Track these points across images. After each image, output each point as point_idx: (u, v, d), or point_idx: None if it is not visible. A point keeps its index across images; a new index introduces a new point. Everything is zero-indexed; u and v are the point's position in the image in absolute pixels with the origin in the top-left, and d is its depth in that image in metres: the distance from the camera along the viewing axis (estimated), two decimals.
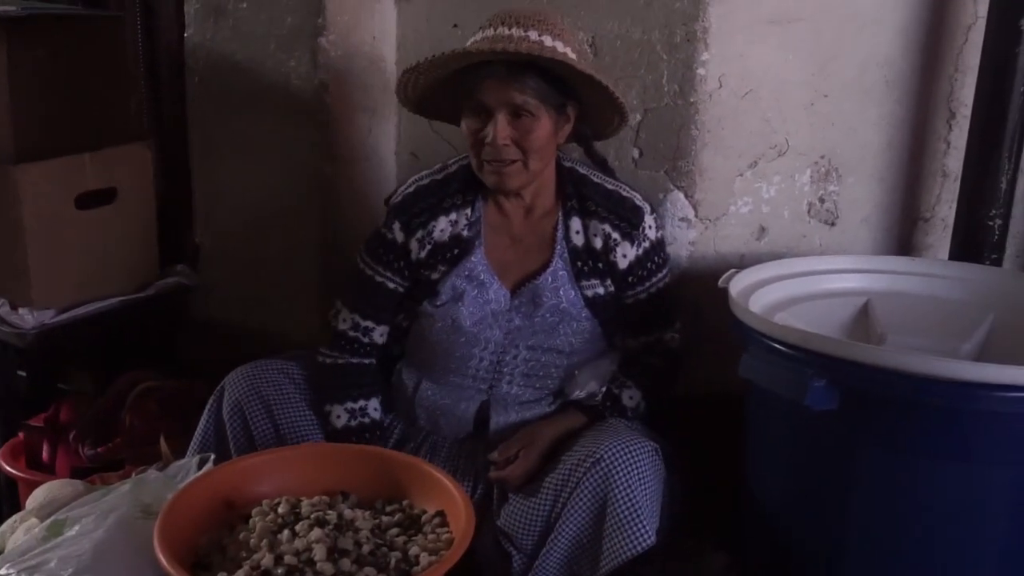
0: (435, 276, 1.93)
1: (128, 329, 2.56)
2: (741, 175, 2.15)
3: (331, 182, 2.38)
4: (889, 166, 2.23)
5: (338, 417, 1.94)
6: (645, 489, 1.68)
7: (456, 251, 1.93)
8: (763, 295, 1.85)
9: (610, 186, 1.95)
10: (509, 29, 1.76)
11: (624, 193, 1.94)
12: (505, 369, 1.93)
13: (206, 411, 1.95)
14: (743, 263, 2.12)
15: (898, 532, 1.59)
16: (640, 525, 1.66)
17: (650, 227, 1.94)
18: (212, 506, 1.68)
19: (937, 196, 2.26)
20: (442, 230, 1.92)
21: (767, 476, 1.79)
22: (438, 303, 1.93)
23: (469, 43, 1.81)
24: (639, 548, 1.65)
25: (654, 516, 1.69)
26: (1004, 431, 1.51)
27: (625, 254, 1.92)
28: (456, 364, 1.94)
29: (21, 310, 2.36)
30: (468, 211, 1.93)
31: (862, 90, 2.16)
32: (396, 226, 1.94)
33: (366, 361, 2.01)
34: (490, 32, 1.78)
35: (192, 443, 1.96)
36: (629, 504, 1.66)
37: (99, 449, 2.24)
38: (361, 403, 1.96)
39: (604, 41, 2.12)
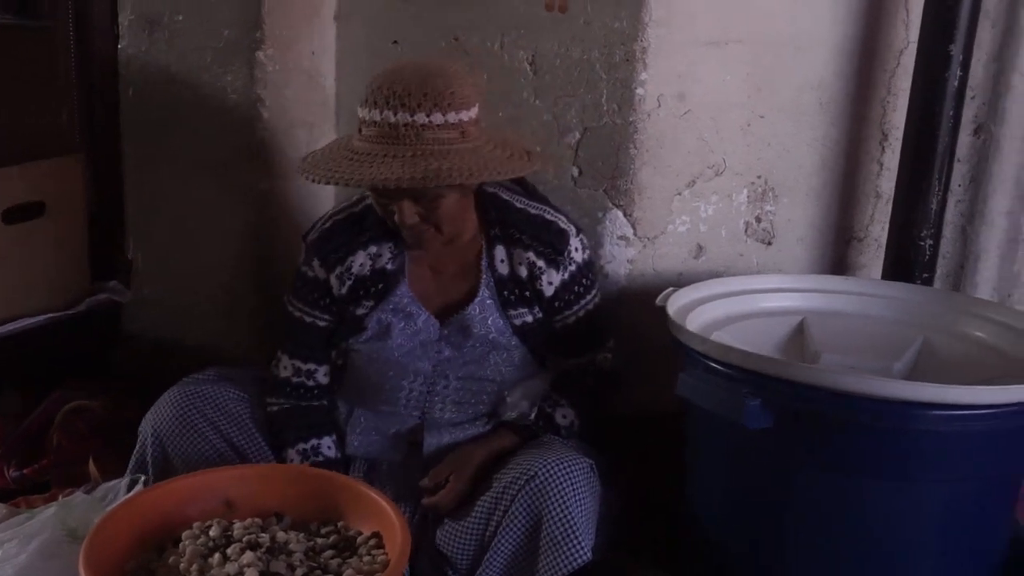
0: (360, 311, 1.90)
1: (58, 346, 2.50)
2: (679, 194, 2.16)
3: (267, 197, 2.35)
4: (824, 187, 2.27)
5: (291, 461, 1.90)
6: (580, 505, 1.67)
7: (381, 286, 1.89)
8: (701, 314, 1.87)
9: (533, 211, 1.91)
10: (395, 114, 1.67)
11: (548, 217, 1.91)
12: (436, 398, 1.92)
13: (145, 432, 1.88)
14: (681, 281, 2.13)
15: (834, 549, 1.61)
16: (576, 541, 1.65)
17: (576, 249, 1.91)
18: (141, 529, 1.64)
19: (871, 216, 2.30)
20: (361, 264, 1.89)
21: (704, 494, 1.80)
22: (363, 339, 1.91)
23: (360, 119, 1.73)
24: (575, 564, 1.64)
25: (590, 532, 1.68)
26: (935, 449, 1.53)
27: (551, 281, 1.89)
28: (386, 395, 1.93)
29: None
30: (391, 244, 1.89)
31: (797, 112, 2.20)
32: (315, 263, 1.92)
33: (315, 403, 1.97)
34: (375, 116, 1.69)
35: (130, 465, 1.90)
36: (564, 520, 1.65)
37: (25, 471, 2.18)
38: (313, 442, 1.92)
39: (544, 60, 2.12)
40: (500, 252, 1.90)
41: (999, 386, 1.50)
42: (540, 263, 1.88)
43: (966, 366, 1.77)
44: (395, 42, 2.32)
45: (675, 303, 1.84)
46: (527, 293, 1.90)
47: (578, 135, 2.13)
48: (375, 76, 1.74)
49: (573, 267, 1.91)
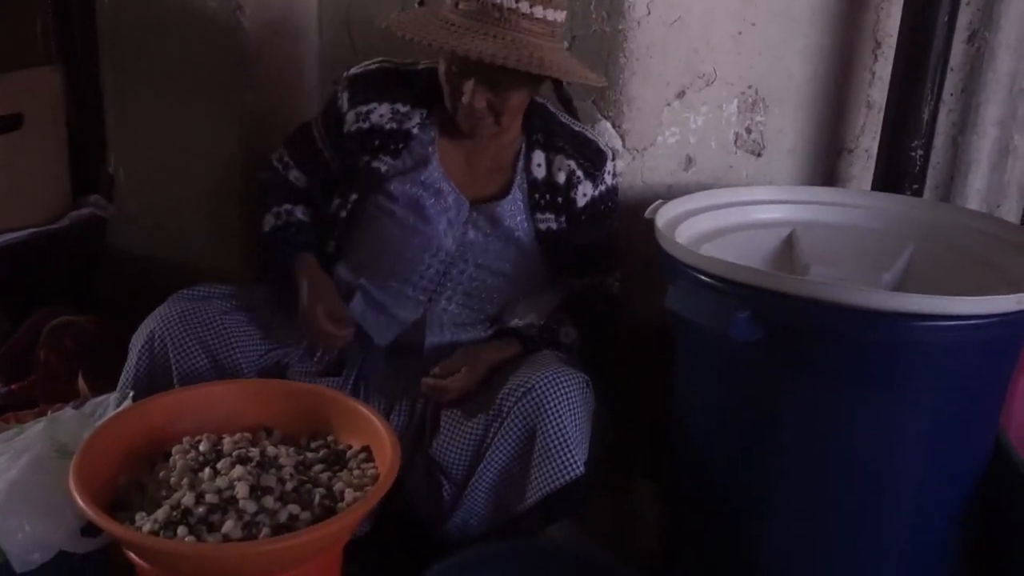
0: (376, 165, 1.92)
1: (41, 262, 2.48)
2: (669, 105, 2.13)
3: (250, 109, 2.31)
4: (815, 97, 2.24)
5: (267, 224, 1.99)
6: (575, 420, 1.69)
7: (401, 145, 1.92)
8: (690, 226, 1.85)
9: (576, 127, 1.97)
10: None
11: (589, 136, 1.97)
12: (449, 284, 1.93)
13: (136, 349, 1.87)
14: (670, 193, 2.12)
15: (822, 460, 1.62)
16: (569, 455, 1.67)
17: (609, 172, 1.96)
18: (131, 444, 1.65)
19: (862, 127, 2.27)
20: (381, 115, 1.92)
21: (693, 407, 1.81)
22: (396, 203, 1.92)
23: (453, 6, 1.74)
24: (567, 478, 1.66)
25: (583, 447, 1.70)
26: (923, 359, 1.54)
27: (585, 192, 1.93)
28: (402, 267, 1.92)
29: None
30: (422, 111, 1.93)
31: (789, 19, 2.15)
32: (345, 95, 1.95)
33: (291, 181, 2.05)
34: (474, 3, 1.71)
35: (120, 381, 1.89)
36: (558, 434, 1.67)
37: (12, 387, 2.19)
38: (287, 207, 2.01)
39: None
40: (538, 157, 1.93)
41: (985, 297, 1.50)
42: (579, 173, 1.92)
43: (955, 277, 1.76)
44: None
45: (664, 215, 1.82)
46: (559, 199, 1.93)
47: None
48: None
49: (604, 187, 1.96)
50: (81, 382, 2.03)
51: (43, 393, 2.15)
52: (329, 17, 2.38)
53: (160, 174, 2.47)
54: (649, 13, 2.05)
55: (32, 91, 2.42)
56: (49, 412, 1.84)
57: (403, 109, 1.92)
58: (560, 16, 1.77)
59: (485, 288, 1.94)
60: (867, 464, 1.61)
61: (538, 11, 1.72)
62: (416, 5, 2.21)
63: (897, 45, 2.09)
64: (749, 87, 2.18)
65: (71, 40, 2.65)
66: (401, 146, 1.92)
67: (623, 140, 2.12)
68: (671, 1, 2.06)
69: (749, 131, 2.21)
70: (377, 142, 1.92)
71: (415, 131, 1.92)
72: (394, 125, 1.92)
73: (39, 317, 2.31)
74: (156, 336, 1.84)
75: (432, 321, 1.92)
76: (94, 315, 2.35)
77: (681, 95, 2.13)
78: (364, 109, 1.92)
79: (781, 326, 1.53)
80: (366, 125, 1.92)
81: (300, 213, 2.01)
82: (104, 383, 1.95)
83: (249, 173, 2.34)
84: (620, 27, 2.04)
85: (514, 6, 1.70)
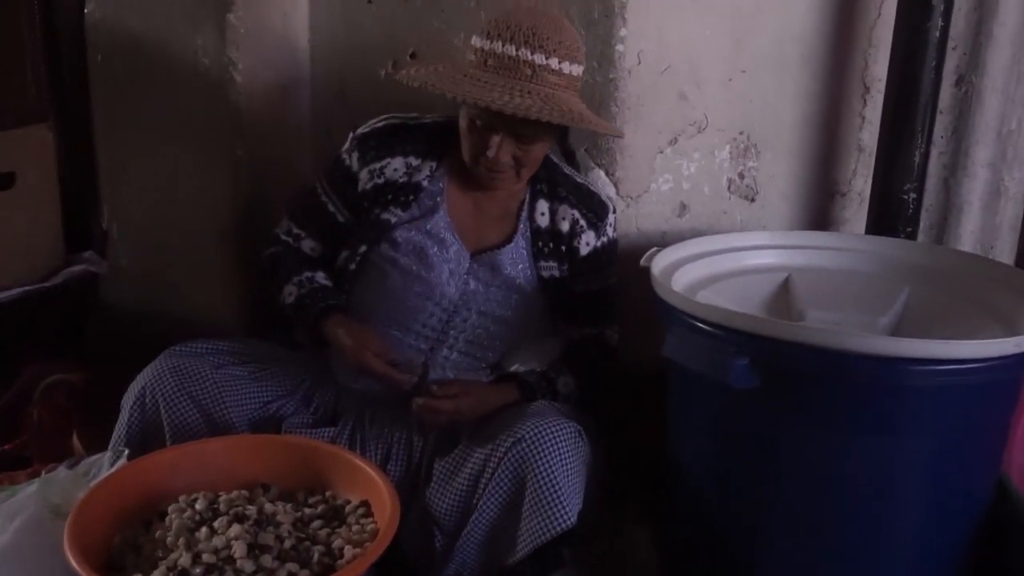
0: (385, 216, 1.93)
1: (34, 320, 2.47)
2: (661, 152, 2.14)
3: (244, 162, 2.31)
4: (806, 141, 2.25)
5: (289, 295, 1.97)
6: (566, 470, 1.67)
7: (411, 198, 1.93)
8: (685, 273, 1.86)
9: (579, 179, 2.01)
10: (517, 49, 1.73)
11: (592, 188, 2.00)
12: (452, 332, 1.93)
13: (128, 406, 1.85)
14: (665, 240, 2.12)
15: (820, 506, 1.61)
16: (560, 506, 1.65)
17: (611, 224, 2.00)
18: (126, 504, 1.62)
19: (853, 170, 2.28)
20: (395, 169, 1.94)
21: (690, 453, 1.80)
22: (399, 250, 1.93)
23: (478, 48, 1.77)
24: (558, 529, 1.64)
25: (575, 497, 1.68)
26: (922, 403, 1.54)
27: (588, 242, 1.97)
28: (404, 315, 1.93)
29: None
30: (432, 164, 1.95)
31: (779, 66, 2.17)
32: (355, 155, 1.96)
33: (306, 252, 2.05)
34: (497, 47, 1.74)
35: (113, 439, 1.87)
36: (548, 485, 1.65)
37: (5, 447, 2.16)
38: (307, 274, 1.99)
39: None
40: (542, 206, 1.96)
41: (982, 340, 1.50)
42: (583, 222, 1.96)
43: (952, 320, 1.76)
44: (369, 1, 2.27)
45: (659, 263, 1.82)
46: (562, 247, 1.96)
47: None
48: (501, 13, 1.80)
49: (606, 238, 2.00)
50: (75, 440, 2.01)
51: (37, 452, 2.13)
52: (321, 71, 2.39)
53: (153, 228, 2.47)
54: (639, 62, 2.06)
55: (25, 149, 2.43)
56: (43, 472, 1.81)
57: (415, 162, 1.94)
58: (580, 70, 1.81)
59: (487, 335, 1.95)
60: (867, 509, 1.60)
61: (565, 66, 1.76)
62: (408, 58, 2.23)
63: (886, 90, 2.11)
64: (741, 133, 2.19)
65: (63, 97, 2.66)
66: (412, 198, 1.94)
67: (617, 188, 2.13)
68: (661, 50, 2.08)
69: (742, 176, 2.22)
70: (390, 195, 1.94)
71: (425, 183, 1.94)
72: (406, 178, 1.94)
73: (31, 375, 2.29)
74: (147, 392, 1.83)
75: (434, 367, 1.92)
76: (87, 371, 2.34)
77: (673, 142, 2.14)
78: (377, 166, 1.94)
79: (780, 372, 1.53)
80: (381, 181, 1.94)
81: (321, 279, 2.00)
82: (98, 440, 1.93)
83: (241, 226, 2.35)
84: (611, 76, 2.05)
85: (544, 62, 1.74)
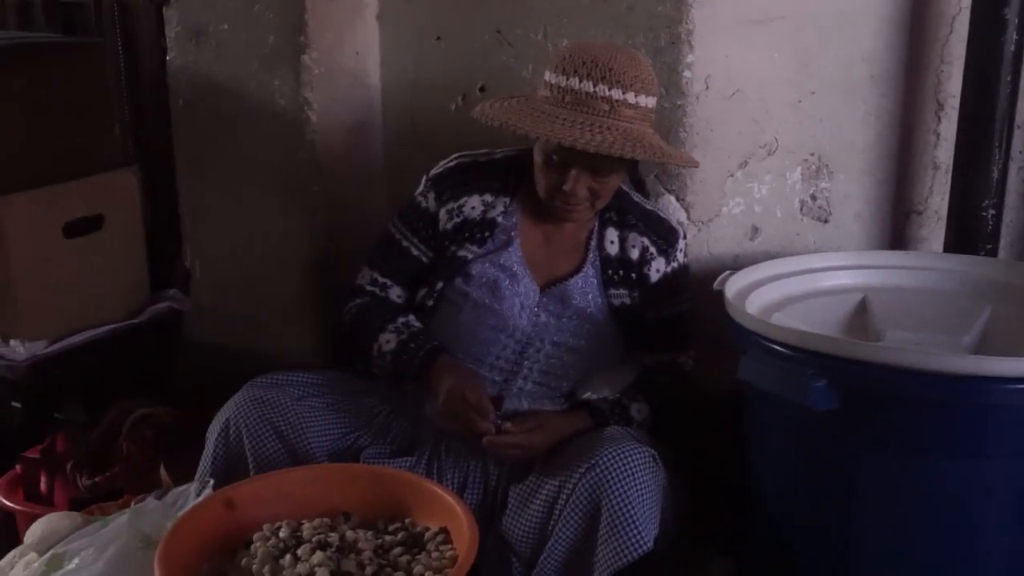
0: (462, 253, 1.96)
1: (121, 356, 2.54)
2: (732, 176, 2.14)
3: (318, 199, 2.37)
4: (879, 160, 2.23)
5: (387, 342, 1.96)
6: (641, 495, 1.66)
7: (487, 234, 1.96)
8: (759, 296, 1.84)
9: (648, 206, 2.02)
10: (594, 85, 1.75)
11: (662, 215, 2.02)
12: (526, 363, 1.94)
13: (212, 437, 1.90)
14: (737, 264, 2.11)
15: (905, 531, 1.58)
16: (636, 531, 1.64)
17: (681, 250, 2.01)
18: (212, 533, 1.66)
19: (929, 188, 2.25)
20: (473, 207, 1.97)
21: (770, 479, 1.78)
22: (472, 285, 1.95)
23: (553, 84, 1.79)
24: (634, 554, 1.63)
25: (652, 522, 1.67)
26: (1008, 424, 1.50)
27: (659, 268, 1.98)
28: (479, 348, 1.94)
29: (12, 342, 2.34)
30: (506, 199, 1.98)
31: (848, 86, 2.16)
32: (431, 195, 1.99)
33: (394, 300, 2.06)
34: (574, 83, 1.76)
35: (199, 470, 1.92)
36: (624, 510, 1.65)
37: (97, 479, 2.22)
38: (401, 320, 1.99)
39: None
40: (611, 234, 1.97)
41: None
42: (652, 249, 1.97)
43: None
44: (438, 38, 2.32)
45: (733, 286, 1.82)
46: (632, 275, 1.97)
47: None
48: (570, 47, 1.83)
49: (676, 264, 2.01)
50: (163, 472, 2.05)
51: (127, 484, 2.19)
52: (392, 107, 2.44)
53: (233, 266, 2.53)
54: (707, 88, 2.07)
55: (111, 192, 2.52)
56: (133, 503, 1.86)
57: (490, 199, 1.97)
58: (654, 101, 1.83)
59: (561, 365, 1.95)
60: (954, 536, 1.56)
61: (641, 99, 1.78)
62: (477, 91, 2.26)
63: (961, 106, 2.08)
64: (812, 154, 2.18)
65: (146, 140, 2.76)
66: (488, 234, 1.97)
67: (688, 213, 2.13)
68: (729, 75, 2.08)
69: (814, 198, 2.20)
70: (467, 233, 1.97)
71: (500, 219, 1.97)
72: (482, 215, 1.97)
73: (120, 410, 2.35)
74: (231, 423, 1.87)
75: (508, 397, 1.93)
76: (173, 405, 2.40)
77: (744, 165, 2.14)
78: (455, 205, 1.97)
79: (859, 394, 1.51)
80: (459, 219, 1.97)
81: (416, 321, 2.01)
82: (185, 472, 1.98)
83: (318, 262, 2.40)
84: (679, 103, 2.06)
85: (621, 97, 1.76)
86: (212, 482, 1.78)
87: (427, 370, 1.92)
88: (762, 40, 2.08)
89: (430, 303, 2.01)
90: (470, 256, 1.96)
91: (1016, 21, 1.97)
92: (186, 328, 2.64)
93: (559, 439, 1.86)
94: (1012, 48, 1.98)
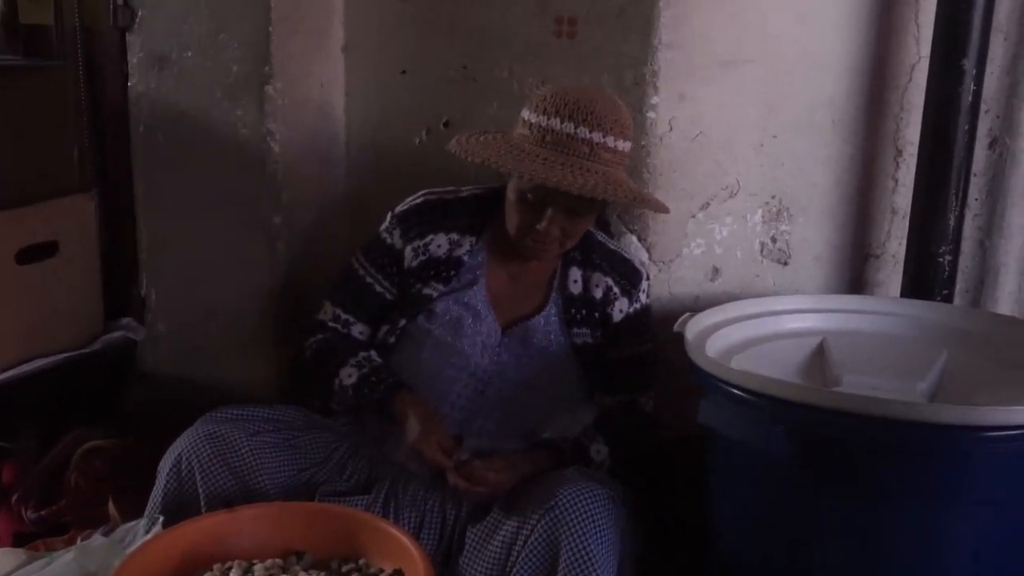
0: (427, 291, 1.95)
1: (74, 385, 2.49)
2: (694, 217, 2.15)
3: (280, 231, 2.34)
4: (839, 204, 2.26)
5: (348, 376, 1.94)
6: (600, 536, 1.65)
7: (452, 272, 1.96)
8: (719, 338, 1.85)
9: (612, 246, 2.04)
10: (575, 127, 1.76)
11: (625, 255, 2.03)
12: (487, 402, 1.93)
13: (164, 473, 1.86)
14: (698, 304, 2.12)
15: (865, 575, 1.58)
16: (594, 573, 1.63)
17: (644, 291, 2.03)
18: (160, 572, 1.62)
19: (887, 233, 2.28)
20: (439, 245, 1.96)
21: (729, 520, 1.77)
22: (435, 323, 1.95)
23: (533, 123, 1.79)
24: None
25: (610, 563, 1.66)
26: (965, 471, 1.51)
27: (622, 309, 1.99)
28: (440, 386, 1.93)
29: None
30: (472, 238, 1.98)
31: (810, 130, 2.19)
32: (397, 232, 1.99)
33: (356, 337, 2.04)
34: (555, 124, 1.77)
35: (149, 506, 1.87)
36: (582, 552, 1.63)
37: (43, 512, 2.17)
38: (362, 355, 1.97)
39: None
40: (575, 273, 1.98)
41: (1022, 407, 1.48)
42: (616, 289, 1.99)
43: (991, 384, 1.73)
44: (404, 72, 2.32)
45: (693, 328, 1.82)
46: (595, 314, 1.98)
47: None
48: (551, 88, 1.84)
49: (639, 304, 2.02)
50: (111, 507, 2.01)
51: (74, 519, 2.14)
52: (356, 140, 2.44)
53: (190, 296, 2.50)
54: (671, 129, 2.08)
55: (67, 218, 2.48)
56: (79, 539, 1.82)
57: (456, 238, 1.97)
58: (628, 147, 1.85)
59: (522, 405, 1.95)
60: None
61: (619, 144, 1.81)
62: (441, 127, 2.26)
63: (919, 152, 2.12)
64: (773, 197, 2.20)
65: (105, 166, 2.71)
66: (453, 272, 1.97)
67: (649, 253, 2.14)
68: (693, 117, 2.09)
69: (775, 240, 2.22)
70: (432, 271, 1.97)
71: (466, 258, 1.97)
72: (448, 254, 1.96)
73: (69, 441, 2.31)
74: (184, 459, 1.83)
75: (469, 436, 1.91)
76: (124, 437, 2.35)
77: (705, 207, 2.15)
78: (421, 243, 1.97)
79: (818, 440, 1.52)
80: (424, 257, 1.97)
81: (377, 357, 1.99)
82: (135, 507, 1.94)
83: (278, 294, 2.37)
84: (643, 143, 2.07)
85: (601, 140, 1.77)
86: (161, 519, 1.75)
87: (388, 405, 1.90)
88: (726, 83, 2.11)
89: (392, 340, 2.00)
90: (435, 294, 1.96)
91: (974, 71, 2.01)
92: (140, 358, 2.60)
93: (519, 478, 1.84)
94: (970, 98, 2.03)
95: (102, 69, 2.63)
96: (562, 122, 1.77)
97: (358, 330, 2.04)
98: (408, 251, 1.98)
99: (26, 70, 2.55)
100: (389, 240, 2.00)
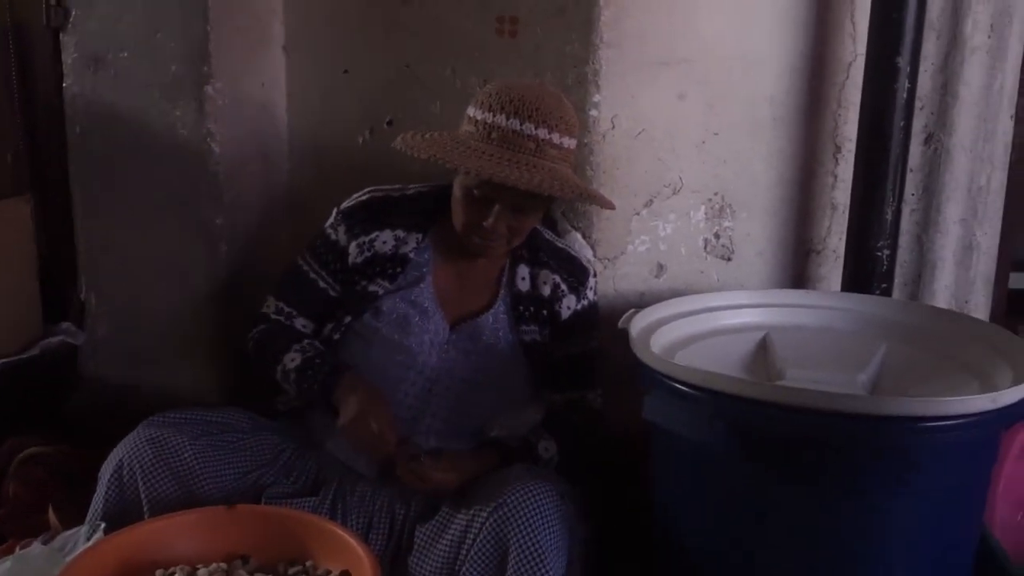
0: (373, 288, 1.94)
1: (12, 392, 2.43)
2: (637, 214, 2.16)
3: (221, 231, 2.31)
4: (780, 200, 2.28)
5: (291, 360, 1.93)
6: (549, 534, 1.65)
7: (398, 269, 1.95)
8: (663, 334, 1.86)
9: (559, 244, 2.04)
10: (521, 123, 1.77)
11: (572, 252, 2.04)
12: (434, 400, 1.93)
13: (105, 479, 1.82)
14: (643, 301, 2.14)
15: (807, 565, 1.60)
16: (543, 570, 1.63)
17: (591, 288, 2.04)
18: None
19: (828, 228, 2.31)
20: (384, 242, 1.95)
21: (676, 516, 1.79)
22: (381, 321, 1.94)
23: (480, 120, 1.79)
24: None
25: (559, 560, 1.66)
26: (900, 462, 1.53)
27: (569, 306, 2.00)
28: (387, 385, 1.92)
29: None
30: (419, 235, 1.97)
31: (751, 127, 2.21)
32: (341, 228, 1.97)
33: (299, 329, 2.03)
34: (500, 121, 1.77)
35: (90, 513, 1.84)
36: (532, 549, 1.64)
37: None
38: (306, 342, 1.97)
39: None
40: (523, 271, 1.99)
41: (961, 397, 1.51)
42: (564, 287, 1.99)
43: (929, 376, 1.77)
44: (346, 71, 2.31)
45: (637, 325, 1.83)
46: (543, 312, 1.99)
47: None
48: (497, 85, 1.83)
49: (586, 302, 2.03)
50: (51, 515, 1.97)
51: (12, 528, 2.09)
52: (299, 140, 2.42)
53: (131, 299, 2.46)
54: (614, 127, 2.09)
55: (3, 221, 2.42)
56: (17, 548, 1.79)
57: (402, 235, 1.96)
58: (573, 144, 1.85)
59: (470, 403, 1.94)
60: (854, 565, 1.59)
61: (565, 141, 1.81)
62: (385, 126, 2.25)
63: (856, 149, 2.15)
64: (716, 194, 2.22)
65: (41, 169, 2.66)
66: (399, 269, 1.96)
67: (594, 250, 2.15)
68: (635, 114, 2.11)
69: (718, 236, 2.24)
70: (377, 268, 1.95)
71: (412, 255, 1.96)
72: (393, 250, 1.95)
73: (8, 448, 2.26)
74: (125, 465, 1.80)
75: (416, 434, 1.91)
76: (65, 444, 2.30)
77: (649, 204, 2.17)
78: (366, 239, 1.95)
79: (759, 433, 1.54)
80: (369, 254, 1.95)
81: (320, 345, 1.99)
82: (77, 514, 1.90)
83: (221, 296, 2.34)
84: (586, 141, 2.08)
85: (547, 137, 1.78)
86: (103, 525, 1.72)
87: (332, 386, 1.89)
88: (668, 81, 2.12)
89: (336, 337, 1.99)
90: (381, 291, 1.95)
91: (908, 69, 2.05)
92: (80, 363, 2.55)
93: (467, 477, 1.84)
94: (904, 95, 2.06)
95: (35, 70, 2.59)
96: (508, 119, 1.77)
97: (301, 323, 2.03)
98: (353, 247, 1.96)
99: None
100: (334, 236, 1.98)
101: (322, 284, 2.01)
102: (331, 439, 1.94)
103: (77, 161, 2.44)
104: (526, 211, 1.85)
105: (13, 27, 2.51)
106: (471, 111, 1.84)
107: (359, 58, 2.29)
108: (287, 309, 2.03)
